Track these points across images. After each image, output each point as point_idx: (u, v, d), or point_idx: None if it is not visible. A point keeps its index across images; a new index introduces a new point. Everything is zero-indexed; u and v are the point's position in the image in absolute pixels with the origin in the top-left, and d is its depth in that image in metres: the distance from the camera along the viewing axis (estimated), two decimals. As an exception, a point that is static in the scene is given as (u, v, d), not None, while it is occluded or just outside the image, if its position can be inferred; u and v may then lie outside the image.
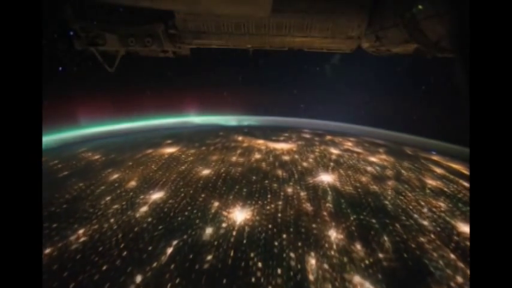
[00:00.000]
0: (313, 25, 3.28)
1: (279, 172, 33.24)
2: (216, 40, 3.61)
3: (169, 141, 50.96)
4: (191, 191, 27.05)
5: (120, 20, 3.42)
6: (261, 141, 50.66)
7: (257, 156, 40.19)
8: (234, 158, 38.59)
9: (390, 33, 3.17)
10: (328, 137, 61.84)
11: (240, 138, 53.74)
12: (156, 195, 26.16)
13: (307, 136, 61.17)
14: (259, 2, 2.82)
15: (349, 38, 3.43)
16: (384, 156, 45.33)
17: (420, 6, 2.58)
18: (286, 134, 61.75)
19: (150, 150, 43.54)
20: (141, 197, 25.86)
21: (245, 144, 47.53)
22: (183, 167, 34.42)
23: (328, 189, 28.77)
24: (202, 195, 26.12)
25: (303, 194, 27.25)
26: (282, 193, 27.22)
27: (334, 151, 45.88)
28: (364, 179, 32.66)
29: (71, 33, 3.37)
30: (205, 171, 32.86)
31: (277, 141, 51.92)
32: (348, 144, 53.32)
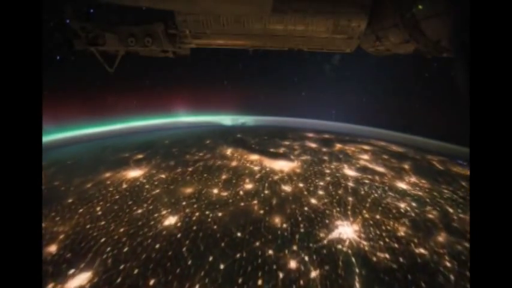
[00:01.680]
0: (313, 25, 3.20)
1: (277, 220, 22.95)
2: (216, 40, 3.55)
3: (139, 156, 40.58)
4: (136, 270, 16.88)
5: (120, 20, 3.39)
6: (255, 157, 40.13)
7: (247, 186, 29.82)
8: (215, 191, 28.23)
9: (390, 33, 3.15)
10: (338, 146, 51.25)
11: (229, 151, 43.16)
12: (75, 282, 16.01)
13: (313, 145, 50.49)
14: (259, 2, 2.85)
15: (349, 38, 3.35)
16: (413, 179, 34.97)
17: (420, 6, 2.59)
18: (287, 143, 51.09)
19: (108, 174, 33.21)
20: (49, 286, 15.72)
21: (234, 163, 37.06)
22: (140, 210, 24.14)
23: (353, 259, 18.56)
24: (152, 282, 15.97)
25: (314, 273, 17.08)
26: (280, 272, 17.05)
27: (350, 172, 35.44)
28: (401, 230, 22.40)
29: (67, 21, 3.23)
30: (170, 220, 22.59)
31: (276, 155, 41.34)
32: (364, 159, 42.80)
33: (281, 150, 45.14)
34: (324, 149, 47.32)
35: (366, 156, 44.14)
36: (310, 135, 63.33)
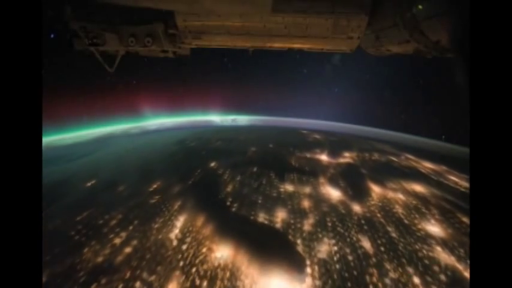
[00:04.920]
0: (313, 25, 3.24)
1: None
2: (216, 40, 3.59)
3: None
4: None
5: (120, 20, 3.40)
6: (224, 252, 19.54)
7: None
8: None
9: (390, 33, 3.19)
10: (375, 191, 30.60)
11: (177, 228, 22.42)
12: None
13: (334, 194, 29.70)
14: (259, 2, 2.89)
15: (349, 38, 3.38)
16: None
17: (420, 6, 2.62)
18: (291, 188, 30.27)
19: None
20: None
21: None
22: None
23: None
24: None
25: None
26: None
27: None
28: None
29: None
30: None
31: (270, 245, 20.61)
32: (441, 238, 22.23)
33: (279, 215, 24.50)
34: (356, 207, 26.66)
35: (436, 228, 23.61)
36: (324, 158, 42.36)
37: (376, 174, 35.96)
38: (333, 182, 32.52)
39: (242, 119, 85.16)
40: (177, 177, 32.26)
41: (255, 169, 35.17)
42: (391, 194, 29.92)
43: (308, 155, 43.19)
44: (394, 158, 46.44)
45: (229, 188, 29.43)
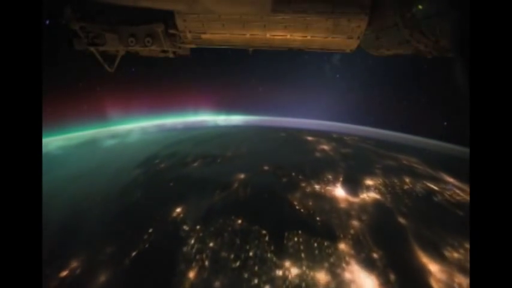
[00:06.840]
0: (313, 25, 3.30)
1: None
2: (216, 40, 3.67)
3: None
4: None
5: (120, 20, 3.46)
6: None
7: None
8: None
9: (390, 33, 3.27)
10: (434, 271, 18.59)
11: None
12: None
13: (368, 285, 17.69)
14: (259, 2, 2.98)
15: (349, 38, 3.43)
16: None
17: (420, 6, 2.66)
18: (294, 274, 18.09)
19: None
20: None
21: None
22: None
23: None
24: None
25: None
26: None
27: None
28: None
29: None
30: None
31: None
32: None
33: None
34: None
35: None
36: (340, 194, 30.00)
37: (422, 227, 23.84)
38: (362, 252, 20.41)
39: (236, 119, 72.64)
40: (112, 246, 20.19)
41: (238, 223, 23.02)
42: (463, 283, 17.91)
43: (317, 187, 30.90)
44: (432, 185, 34.25)
45: (189, 278, 17.36)
